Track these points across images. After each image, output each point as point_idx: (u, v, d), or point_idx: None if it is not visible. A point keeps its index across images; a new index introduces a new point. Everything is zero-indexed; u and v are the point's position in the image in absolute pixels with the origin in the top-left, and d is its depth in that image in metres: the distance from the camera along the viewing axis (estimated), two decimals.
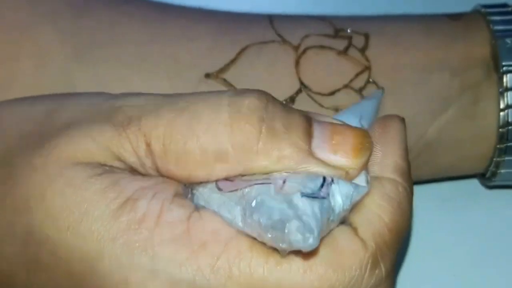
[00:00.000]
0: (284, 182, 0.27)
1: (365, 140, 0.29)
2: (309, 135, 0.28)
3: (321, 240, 0.27)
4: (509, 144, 0.39)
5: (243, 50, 0.39)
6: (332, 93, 0.39)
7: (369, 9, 0.43)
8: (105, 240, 0.27)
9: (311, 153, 0.28)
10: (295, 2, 0.42)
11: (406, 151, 0.31)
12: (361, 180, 0.29)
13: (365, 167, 0.29)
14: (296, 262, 0.27)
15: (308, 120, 0.29)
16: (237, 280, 0.26)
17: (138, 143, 0.28)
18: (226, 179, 0.28)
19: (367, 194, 0.29)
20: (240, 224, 0.27)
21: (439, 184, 0.43)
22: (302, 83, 0.39)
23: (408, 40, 0.40)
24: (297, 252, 0.26)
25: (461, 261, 0.41)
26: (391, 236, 0.28)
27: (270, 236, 0.26)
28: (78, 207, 0.27)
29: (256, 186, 0.27)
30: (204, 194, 0.28)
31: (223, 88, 0.38)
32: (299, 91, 0.39)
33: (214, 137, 0.27)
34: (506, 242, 0.42)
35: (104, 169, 0.28)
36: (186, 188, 0.28)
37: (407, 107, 0.39)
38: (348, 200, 0.28)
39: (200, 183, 0.28)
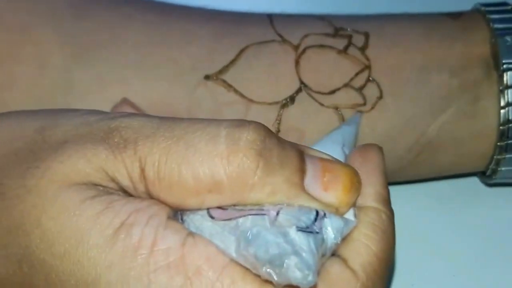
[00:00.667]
0: (277, 213, 0.27)
1: (355, 178, 0.29)
2: (302, 171, 0.29)
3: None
4: (509, 141, 0.39)
5: (242, 51, 0.39)
6: (332, 92, 0.39)
7: (369, 9, 0.43)
8: (101, 268, 0.27)
9: (303, 189, 0.28)
10: (295, 2, 0.41)
11: (386, 178, 0.32)
12: (349, 214, 0.30)
13: (354, 204, 0.30)
14: None
15: (301, 155, 0.29)
16: None
17: (133, 167, 0.28)
18: (219, 207, 0.28)
19: (352, 229, 0.29)
20: (234, 254, 0.27)
21: (439, 182, 0.43)
22: (302, 82, 0.39)
23: (407, 40, 0.40)
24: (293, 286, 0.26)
25: (460, 260, 0.41)
26: (379, 264, 0.29)
27: (266, 270, 0.26)
28: (74, 233, 0.27)
29: (250, 217, 0.27)
30: (195, 221, 0.28)
31: (223, 89, 0.38)
32: (299, 90, 0.39)
33: (209, 168, 0.27)
34: (506, 241, 0.42)
35: (98, 190, 0.28)
36: (177, 213, 0.28)
37: (407, 107, 0.39)
38: (339, 234, 0.28)
39: (191, 212, 0.28)
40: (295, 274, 0.26)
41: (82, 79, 0.37)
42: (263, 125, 0.29)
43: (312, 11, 0.42)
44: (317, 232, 0.27)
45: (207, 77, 0.38)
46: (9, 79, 0.37)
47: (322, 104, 0.39)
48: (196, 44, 0.39)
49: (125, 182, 0.28)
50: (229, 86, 0.39)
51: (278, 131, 0.39)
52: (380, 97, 0.39)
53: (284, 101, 0.39)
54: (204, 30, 0.39)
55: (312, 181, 0.28)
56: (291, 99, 0.39)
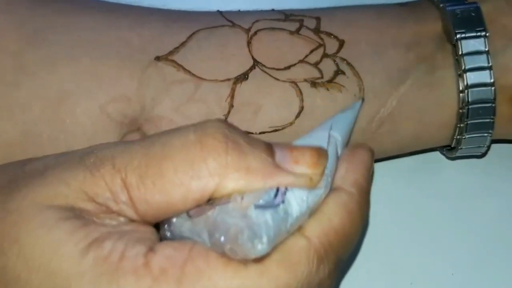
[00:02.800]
0: (242, 198, 0.29)
1: (321, 150, 0.31)
2: (271, 151, 0.30)
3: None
4: (471, 106, 0.38)
5: (193, 34, 0.38)
6: (288, 68, 0.38)
7: None
8: (73, 276, 0.27)
9: (276, 165, 0.30)
10: (296, 2, 0.42)
11: (369, 173, 0.33)
12: (320, 185, 0.31)
13: (324, 172, 0.31)
14: (253, 268, 0.28)
15: (267, 142, 0.31)
16: None
17: (113, 179, 0.29)
18: (196, 206, 0.29)
19: (325, 198, 0.31)
20: (208, 245, 0.29)
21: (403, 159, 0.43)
22: (254, 59, 0.38)
23: (359, 21, 0.40)
24: (256, 260, 0.28)
25: (460, 260, 0.41)
26: (336, 238, 0.30)
27: (228, 249, 0.28)
28: (49, 246, 0.28)
29: (217, 207, 0.29)
30: (177, 224, 0.30)
31: (172, 69, 0.37)
32: (252, 67, 0.38)
33: (186, 156, 0.29)
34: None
35: (75, 213, 0.29)
36: (163, 225, 0.30)
37: (365, 77, 0.38)
38: (304, 204, 0.30)
39: (172, 217, 0.30)
40: (247, 245, 0.28)
41: (34, 59, 0.37)
42: (223, 119, 0.31)
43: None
44: (277, 206, 0.29)
45: (157, 58, 0.37)
46: None
47: (277, 79, 0.37)
48: (147, 27, 0.38)
49: (105, 195, 0.29)
50: (178, 66, 0.37)
51: (232, 106, 0.37)
52: (338, 70, 0.38)
53: (236, 78, 0.37)
54: (156, 16, 0.39)
55: (281, 157, 0.30)
56: (244, 75, 0.37)
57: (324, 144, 0.32)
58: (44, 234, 0.28)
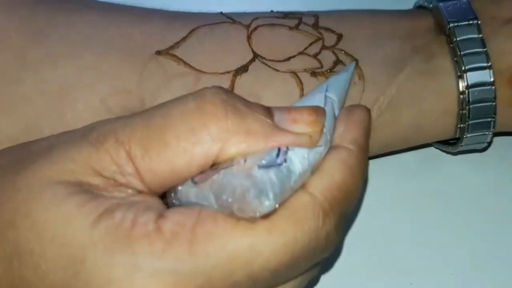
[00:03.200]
0: (245, 160, 0.29)
1: (318, 108, 0.31)
2: (270, 114, 0.31)
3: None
4: (471, 89, 0.38)
5: (193, 30, 0.39)
6: (287, 59, 0.38)
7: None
8: (87, 245, 0.28)
9: (276, 126, 0.30)
10: (296, 2, 0.43)
11: (366, 131, 0.33)
12: (319, 143, 0.31)
13: (322, 130, 0.31)
14: (261, 225, 0.29)
15: (265, 106, 0.31)
16: (214, 256, 0.28)
17: (118, 152, 0.29)
18: (200, 172, 0.30)
19: (325, 154, 0.31)
20: (216, 207, 0.29)
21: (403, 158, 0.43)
22: (254, 52, 0.38)
23: (355, 18, 0.41)
24: (263, 217, 0.29)
25: (460, 259, 0.40)
26: (339, 193, 0.30)
27: (236, 208, 0.28)
28: (60, 219, 0.28)
29: (222, 171, 0.29)
30: (184, 192, 0.30)
31: (173, 63, 0.38)
32: (252, 60, 0.38)
33: (187, 124, 0.29)
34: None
35: (83, 187, 0.29)
36: (169, 194, 0.31)
37: (364, 68, 0.39)
38: (305, 161, 0.30)
39: (178, 184, 0.30)
40: (255, 202, 0.28)
41: (35, 56, 0.37)
42: (221, 86, 0.31)
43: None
44: (279, 164, 0.29)
45: (158, 53, 0.38)
46: None
47: (277, 70, 0.38)
48: (149, 24, 0.39)
49: (111, 168, 0.29)
50: (178, 60, 0.38)
51: None
52: (337, 60, 0.38)
53: (236, 70, 0.38)
54: (157, 14, 0.40)
55: (280, 118, 0.30)
56: (244, 67, 0.38)
57: (321, 105, 0.33)
58: (55, 208, 0.28)
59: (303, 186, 0.30)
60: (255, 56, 0.38)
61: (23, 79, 0.37)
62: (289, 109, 0.31)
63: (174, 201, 0.30)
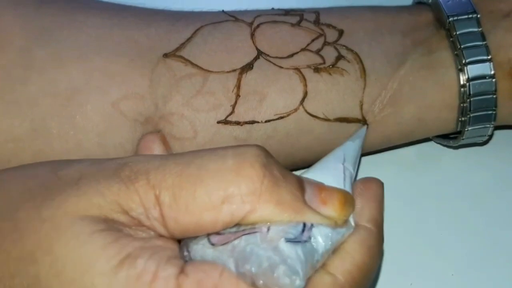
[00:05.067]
0: (268, 229, 0.29)
1: (348, 195, 0.32)
2: (302, 188, 0.31)
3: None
4: (472, 82, 0.39)
5: (197, 30, 0.40)
6: (291, 56, 0.39)
7: None
8: None
9: (305, 202, 0.30)
10: (296, 2, 0.44)
11: (382, 208, 0.34)
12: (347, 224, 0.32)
13: (349, 217, 0.32)
14: None
15: (299, 178, 0.31)
16: None
17: (147, 195, 0.29)
18: (217, 233, 0.30)
19: (346, 237, 0.32)
20: (235, 274, 0.29)
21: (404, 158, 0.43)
22: (259, 50, 0.39)
23: (356, 14, 0.41)
24: None
25: (459, 259, 0.41)
26: (359, 274, 0.31)
27: (262, 282, 0.28)
28: (81, 261, 0.28)
29: (244, 236, 0.29)
30: (198, 250, 0.29)
31: (181, 64, 0.38)
32: (256, 58, 0.39)
33: (221, 182, 0.29)
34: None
35: (109, 225, 0.29)
36: (182, 247, 0.30)
37: (366, 62, 0.39)
38: (328, 240, 0.30)
39: (194, 239, 0.30)
40: (285, 280, 0.28)
41: (41, 56, 0.37)
42: (263, 147, 0.31)
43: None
44: (305, 241, 0.29)
45: (165, 55, 0.38)
46: None
47: (281, 67, 0.39)
48: (154, 26, 0.39)
49: (138, 209, 0.29)
50: (186, 61, 0.38)
51: (238, 96, 0.38)
52: (339, 56, 0.39)
53: (242, 68, 0.39)
54: (161, 15, 0.40)
55: (311, 196, 0.31)
56: (249, 65, 0.39)
57: (341, 179, 0.33)
58: (77, 247, 0.28)
59: (323, 266, 0.30)
60: (259, 53, 0.39)
61: (28, 79, 0.37)
62: (320, 188, 0.31)
63: (185, 256, 0.30)
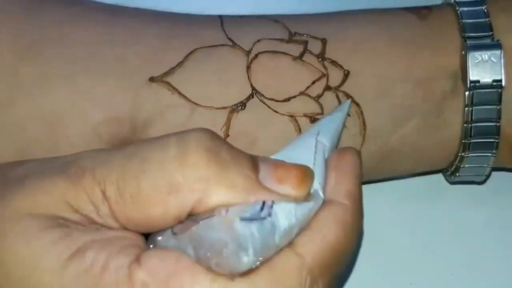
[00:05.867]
0: (227, 212, 0.28)
1: (307, 170, 0.29)
2: (255, 167, 0.29)
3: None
4: (473, 140, 0.37)
5: (190, 53, 0.36)
6: (287, 100, 0.36)
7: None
8: None
9: (260, 182, 0.29)
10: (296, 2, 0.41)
11: (359, 179, 0.31)
12: (308, 198, 0.30)
13: (309, 194, 0.29)
14: (240, 283, 0.27)
15: (253, 156, 0.30)
16: None
17: (94, 192, 0.28)
18: (179, 222, 0.29)
19: (315, 210, 0.29)
20: (194, 260, 0.28)
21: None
22: (253, 88, 0.36)
23: (369, 47, 0.37)
24: (243, 274, 0.27)
25: (459, 259, 0.41)
26: (331, 254, 0.29)
27: (214, 263, 0.27)
28: (30, 258, 0.27)
29: (201, 221, 0.28)
30: (162, 242, 0.29)
31: (167, 91, 0.36)
32: (250, 96, 0.36)
33: (164, 172, 0.28)
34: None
35: (57, 221, 0.28)
36: (148, 241, 0.29)
37: (369, 115, 0.37)
38: (292, 217, 0.28)
39: (158, 231, 0.29)
40: (233, 258, 0.27)
41: (28, 75, 0.36)
42: (209, 129, 0.29)
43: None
44: (263, 218, 0.28)
45: (151, 79, 0.36)
46: None
47: (276, 112, 0.36)
48: (144, 44, 0.36)
49: (88, 207, 0.28)
50: (173, 89, 0.36)
51: (227, 135, 0.36)
52: None
53: (233, 107, 0.36)
54: (153, 30, 0.37)
55: (266, 175, 0.29)
56: (242, 104, 0.36)
57: (311, 153, 0.31)
58: (25, 244, 0.27)
59: (291, 245, 0.28)
60: (254, 92, 0.36)
61: (15, 101, 0.35)
62: (276, 165, 0.29)
63: (151, 247, 0.29)
